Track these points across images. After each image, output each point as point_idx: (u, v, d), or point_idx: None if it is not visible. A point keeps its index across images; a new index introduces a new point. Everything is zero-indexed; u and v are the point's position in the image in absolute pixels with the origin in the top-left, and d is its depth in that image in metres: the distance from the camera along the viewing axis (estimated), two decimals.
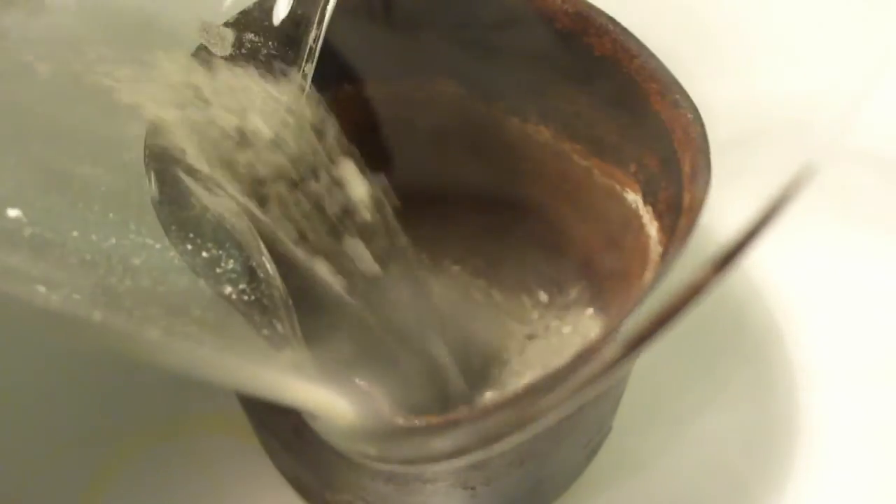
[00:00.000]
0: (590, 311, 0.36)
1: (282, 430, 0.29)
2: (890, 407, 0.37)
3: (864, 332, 0.39)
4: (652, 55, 0.28)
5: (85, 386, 0.38)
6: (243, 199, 0.25)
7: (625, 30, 0.29)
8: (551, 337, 0.35)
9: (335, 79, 0.32)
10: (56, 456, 0.36)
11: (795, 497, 0.35)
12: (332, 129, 0.27)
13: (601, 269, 0.35)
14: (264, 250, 0.25)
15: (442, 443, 0.22)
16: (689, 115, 0.27)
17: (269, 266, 0.25)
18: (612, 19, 0.29)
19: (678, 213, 0.27)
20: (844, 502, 0.35)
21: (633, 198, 0.32)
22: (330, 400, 0.22)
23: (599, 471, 0.35)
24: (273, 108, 0.26)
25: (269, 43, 0.28)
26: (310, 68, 0.28)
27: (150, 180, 0.25)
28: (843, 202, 0.42)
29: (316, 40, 0.28)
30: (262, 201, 0.26)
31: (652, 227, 0.31)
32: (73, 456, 0.36)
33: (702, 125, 0.27)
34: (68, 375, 0.38)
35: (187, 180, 0.24)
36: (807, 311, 0.39)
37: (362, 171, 0.28)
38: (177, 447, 0.37)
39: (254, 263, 0.24)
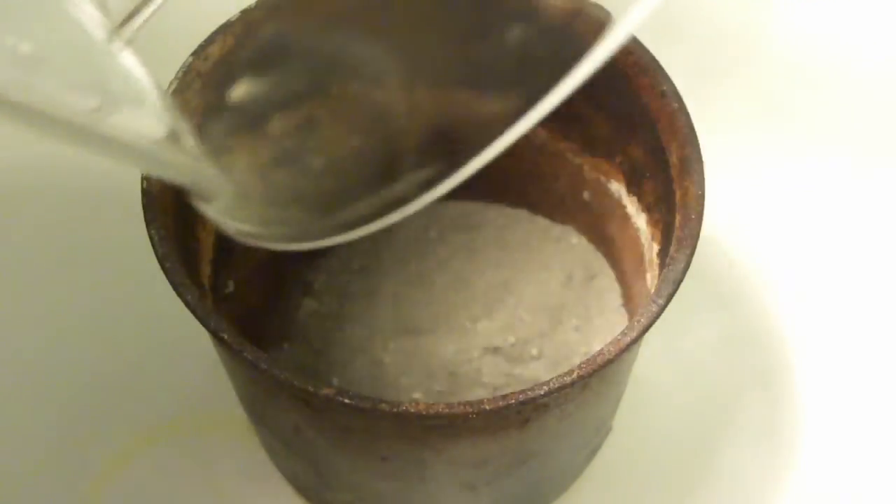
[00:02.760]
0: None
1: (282, 430, 0.29)
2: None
3: (866, 334, 0.39)
4: (646, 50, 0.29)
5: (85, 386, 0.38)
6: None
7: None
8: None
9: (341, 73, 0.32)
10: (56, 456, 0.36)
11: (796, 497, 0.35)
12: None
13: None
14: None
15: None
16: (675, 105, 0.28)
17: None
18: (608, 14, 0.29)
19: (671, 207, 0.27)
20: (846, 500, 0.35)
21: (617, 187, 0.32)
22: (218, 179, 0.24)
23: (599, 471, 0.35)
24: None
25: None
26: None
27: None
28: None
29: None
30: None
31: (640, 219, 0.31)
32: (74, 456, 0.36)
33: (687, 116, 0.27)
34: (69, 375, 0.38)
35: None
36: (808, 312, 0.39)
37: None
38: (177, 447, 0.37)
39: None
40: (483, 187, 0.37)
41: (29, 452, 0.36)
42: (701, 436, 0.36)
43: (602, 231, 0.34)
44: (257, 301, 0.34)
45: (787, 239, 0.41)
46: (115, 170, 0.39)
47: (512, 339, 0.33)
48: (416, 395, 0.32)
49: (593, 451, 0.33)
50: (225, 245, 0.31)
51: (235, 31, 0.29)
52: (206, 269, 0.30)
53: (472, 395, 0.32)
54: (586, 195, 0.34)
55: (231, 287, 0.32)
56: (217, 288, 0.31)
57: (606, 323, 0.34)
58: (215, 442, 0.37)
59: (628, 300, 0.34)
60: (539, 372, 0.33)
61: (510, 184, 0.36)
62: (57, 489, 0.36)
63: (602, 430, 0.32)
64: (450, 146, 0.33)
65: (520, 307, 0.34)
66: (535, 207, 0.36)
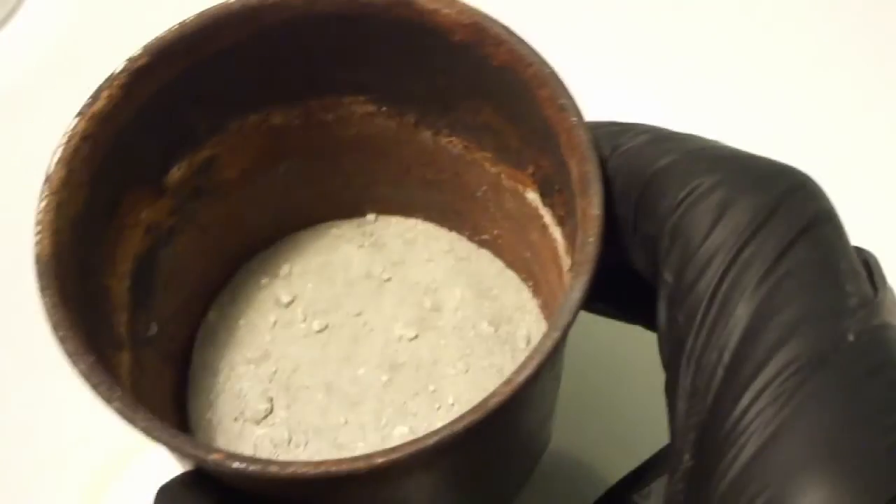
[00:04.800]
0: None
1: None
2: None
3: None
4: (545, 62, 0.28)
5: (85, 386, 0.38)
6: None
7: (520, 38, 0.28)
8: None
9: (240, 108, 0.32)
10: (56, 456, 0.37)
11: None
12: None
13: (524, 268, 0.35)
14: None
15: None
16: (573, 119, 0.27)
17: None
18: (507, 28, 0.28)
19: (576, 225, 0.27)
20: None
21: (533, 196, 0.32)
22: None
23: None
24: None
25: None
26: None
27: None
28: None
29: None
30: None
31: (556, 231, 0.30)
32: (73, 456, 0.37)
33: (586, 130, 0.27)
34: (68, 375, 0.38)
35: None
36: None
37: None
38: None
39: None
40: (411, 198, 0.36)
41: (28, 452, 0.37)
42: None
43: (528, 238, 0.33)
44: (189, 336, 0.34)
45: None
46: None
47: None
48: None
49: (535, 459, 0.33)
50: (143, 289, 0.31)
51: (122, 82, 0.28)
52: (121, 317, 0.30)
53: None
54: (508, 203, 0.33)
55: (154, 329, 0.32)
56: (137, 332, 0.31)
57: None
58: None
59: (551, 310, 0.33)
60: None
61: (432, 195, 0.35)
62: (56, 489, 0.36)
63: (538, 442, 0.32)
64: None
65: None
66: (463, 216, 0.36)
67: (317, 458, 0.32)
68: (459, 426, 0.23)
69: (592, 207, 0.26)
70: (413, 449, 0.23)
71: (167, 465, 0.36)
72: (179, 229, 0.32)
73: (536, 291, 0.35)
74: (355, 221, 0.37)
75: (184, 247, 0.33)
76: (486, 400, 0.24)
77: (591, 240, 0.25)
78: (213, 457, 0.23)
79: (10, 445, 0.37)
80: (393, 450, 0.23)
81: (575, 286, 0.25)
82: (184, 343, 0.34)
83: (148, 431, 0.24)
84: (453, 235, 0.37)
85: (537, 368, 0.24)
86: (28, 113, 0.45)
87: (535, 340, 0.34)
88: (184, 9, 0.47)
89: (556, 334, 0.24)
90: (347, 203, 0.36)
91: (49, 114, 0.45)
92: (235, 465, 0.23)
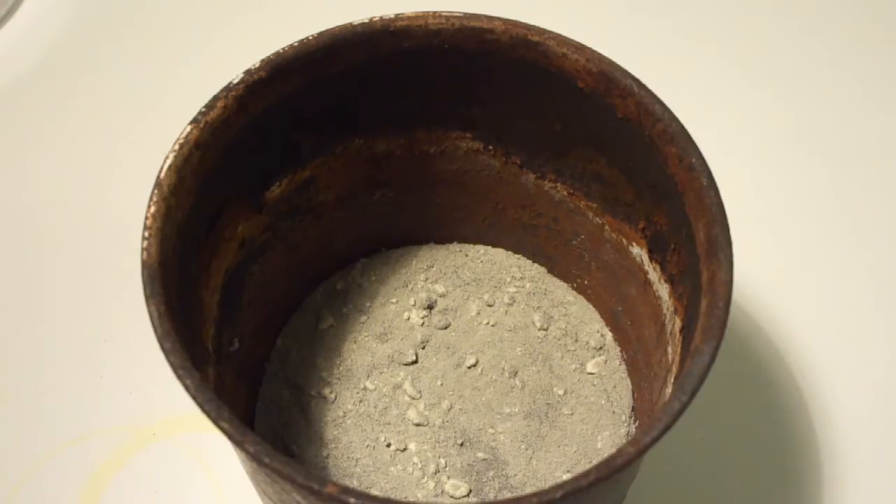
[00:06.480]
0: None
1: None
2: None
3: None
4: (675, 118, 0.27)
5: (85, 386, 0.38)
6: None
7: (650, 92, 0.28)
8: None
9: (346, 131, 0.31)
10: (56, 454, 0.36)
11: None
12: None
13: (611, 320, 0.34)
14: None
15: None
16: (703, 181, 0.26)
17: None
18: (637, 80, 0.28)
19: (697, 286, 0.26)
20: None
21: (638, 251, 0.31)
22: None
23: None
24: None
25: None
26: None
27: None
28: None
29: None
30: None
31: (662, 290, 0.30)
32: (73, 456, 0.36)
33: (716, 192, 0.26)
34: (68, 375, 0.38)
35: None
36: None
37: None
38: (176, 447, 0.37)
39: None
40: (500, 239, 0.36)
41: (29, 452, 0.36)
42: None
43: (622, 292, 0.33)
44: (265, 353, 0.33)
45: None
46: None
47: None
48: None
49: None
50: (231, 303, 0.30)
51: (238, 93, 0.27)
52: (209, 331, 0.29)
53: None
54: (606, 254, 0.33)
55: (236, 345, 0.31)
56: (221, 347, 0.30)
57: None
58: (215, 442, 0.36)
59: (638, 367, 0.33)
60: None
61: (524, 238, 0.35)
62: (57, 487, 0.36)
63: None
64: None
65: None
66: (553, 261, 0.35)
67: None
68: (584, 482, 0.23)
69: (722, 272, 0.25)
70: (537, 501, 0.22)
71: (166, 466, 0.36)
72: (271, 246, 0.32)
73: (620, 345, 0.34)
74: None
75: (272, 264, 0.32)
76: (612, 458, 0.23)
77: (720, 304, 0.25)
78: (328, 489, 0.22)
79: (11, 445, 0.36)
80: (517, 499, 0.22)
81: (704, 349, 0.24)
82: (258, 361, 0.33)
83: (258, 456, 0.23)
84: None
85: (663, 430, 0.23)
86: (27, 112, 0.45)
87: (617, 395, 0.34)
88: (185, 10, 0.47)
89: (685, 398, 0.24)
90: (434, 237, 0.36)
91: (48, 113, 0.45)
92: (352, 500, 0.22)
